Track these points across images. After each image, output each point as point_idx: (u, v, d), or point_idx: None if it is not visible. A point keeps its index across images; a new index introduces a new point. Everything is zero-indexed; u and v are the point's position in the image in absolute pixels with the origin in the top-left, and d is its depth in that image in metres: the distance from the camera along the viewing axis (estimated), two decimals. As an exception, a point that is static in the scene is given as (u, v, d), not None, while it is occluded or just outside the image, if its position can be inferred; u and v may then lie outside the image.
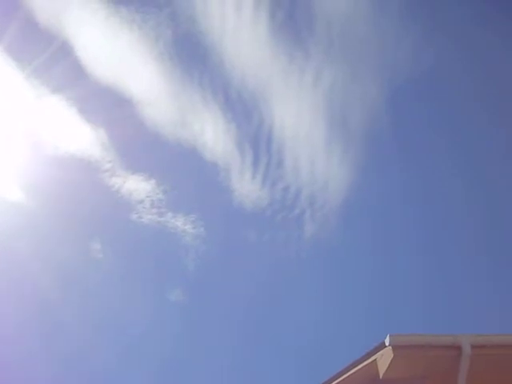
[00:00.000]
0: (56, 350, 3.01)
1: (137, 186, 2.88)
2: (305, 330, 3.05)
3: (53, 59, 2.55)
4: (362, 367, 1.36)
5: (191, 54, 2.63)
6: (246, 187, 2.86)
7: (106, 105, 2.72)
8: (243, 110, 2.77)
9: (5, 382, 2.80)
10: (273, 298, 3.05)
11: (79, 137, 2.74)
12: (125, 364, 3.08)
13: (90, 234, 2.96)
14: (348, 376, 1.46)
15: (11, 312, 2.91)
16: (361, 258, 3.10)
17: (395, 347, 1.21)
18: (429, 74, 2.66)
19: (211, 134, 2.78)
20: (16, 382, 2.93)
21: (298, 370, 3.00)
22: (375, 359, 1.28)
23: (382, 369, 1.25)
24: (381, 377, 1.27)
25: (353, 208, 2.95)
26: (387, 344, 1.21)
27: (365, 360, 1.33)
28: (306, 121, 2.73)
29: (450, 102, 2.77)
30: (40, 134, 2.72)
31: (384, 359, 1.24)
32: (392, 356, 1.21)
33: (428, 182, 3.01)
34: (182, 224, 2.94)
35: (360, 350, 1.32)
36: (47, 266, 2.91)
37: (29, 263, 2.88)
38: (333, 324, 3.05)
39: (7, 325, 2.91)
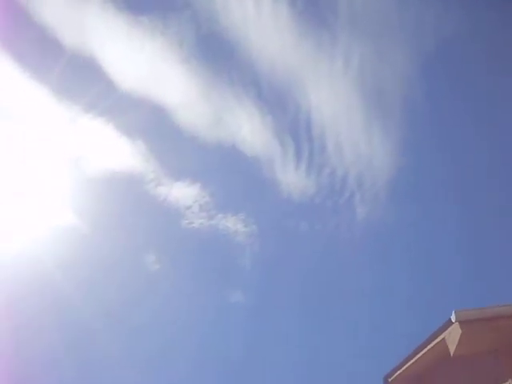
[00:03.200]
0: (125, 360, 3.03)
1: (183, 193, 2.88)
2: (366, 315, 3.01)
3: (81, 78, 2.56)
4: (432, 347, 1.32)
5: (217, 53, 2.61)
6: (292, 177, 2.83)
7: (141, 115, 2.73)
8: (277, 101, 2.75)
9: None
10: (332, 286, 3.02)
11: (119, 151, 2.76)
12: (192, 368, 3.09)
13: (144, 246, 2.97)
14: (419, 358, 1.42)
15: (68, 333, 2.94)
16: (414, 237, 3.05)
17: (462, 323, 1.17)
18: (456, 37, 2.59)
19: (249, 129, 2.76)
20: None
21: (363, 357, 2.97)
22: (444, 337, 1.25)
23: (452, 346, 1.21)
24: (451, 354, 1.24)
25: (401, 184, 2.90)
26: (454, 320, 1.17)
27: (433, 339, 1.30)
28: (342, 102, 2.69)
29: (480, 63, 2.70)
30: (80, 154, 2.74)
31: (453, 336, 1.20)
32: (460, 332, 1.17)
33: (472, 150, 2.94)
34: (232, 224, 2.93)
35: (425, 330, 1.28)
36: (105, 285, 2.94)
37: (88, 283, 2.91)
38: (392, 306, 3.00)
39: (63, 346, 2.94)
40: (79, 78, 2.65)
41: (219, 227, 2.97)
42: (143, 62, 2.57)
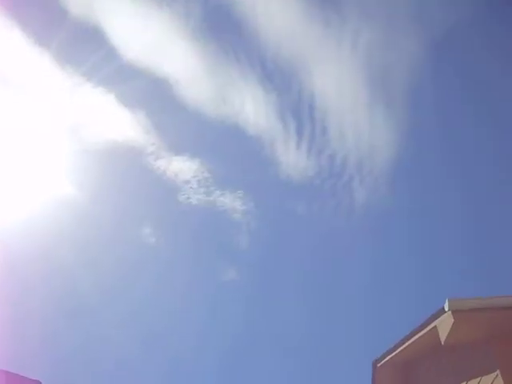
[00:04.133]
0: (121, 335, 3.04)
1: (182, 167, 2.87)
2: (361, 299, 3.01)
3: (85, 46, 2.54)
4: (423, 334, 1.31)
5: (224, 28, 2.59)
6: (292, 158, 2.82)
7: (144, 88, 2.71)
8: (282, 80, 2.73)
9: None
10: (327, 268, 3.02)
11: (120, 123, 2.74)
12: (186, 345, 3.10)
13: (140, 219, 2.97)
14: (409, 344, 1.41)
15: (67, 302, 2.95)
16: (413, 221, 3.04)
17: (455, 312, 1.16)
18: (464, 25, 2.56)
19: (252, 107, 2.74)
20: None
21: (357, 341, 2.98)
22: (435, 325, 1.24)
23: (443, 335, 1.20)
24: (442, 343, 1.23)
25: (402, 170, 2.89)
26: (447, 309, 1.17)
27: (425, 327, 1.29)
28: (347, 84, 2.67)
29: (487, 51, 2.67)
30: (80, 124, 2.72)
31: (444, 325, 1.20)
32: (452, 321, 1.16)
33: (475, 138, 2.93)
34: (230, 201, 2.92)
35: (418, 317, 1.28)
36: (102, 256, 2.94)
37: (84, 254, 2.91)
38: (388, 291, 3.00)
39: (62, 315, 2.95)
40: (83, 45, 2.62)
41: (217, 204, 2.96)
42: (148, 32, 2.54)
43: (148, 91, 2.75)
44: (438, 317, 1.17)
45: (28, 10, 2.46)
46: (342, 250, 3.05)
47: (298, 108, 2.81)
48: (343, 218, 2.97)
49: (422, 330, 1.27)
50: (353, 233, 3.02)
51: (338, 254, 3.05)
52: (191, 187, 2.91)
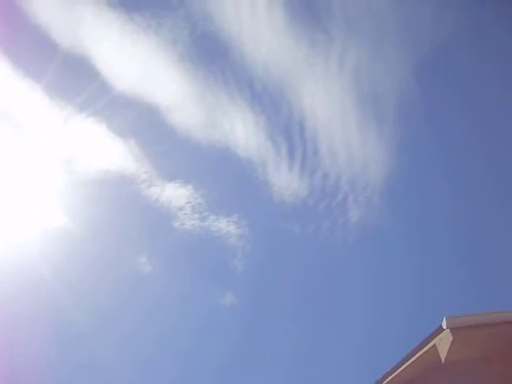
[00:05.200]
0: (117, 363, 3.02)
1: (175, 193, 2.86)
2: (359, 318, 3.00)
3: (75, 77, 2.54)
4: (423, 354, 1.30)
5: (211, 53, 2.60)
6: (285, 179, 2.82)
7: (134, 116, 2.70)
8: (271, 102, 2.73)
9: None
10: (324, 288, 3.01)
11: (112, 152, 2.74)
12: (183, 370, 3.08)
13: (136, 247, 2.95)
14: (409, 365, 1.40)
15: (61, 333, 2.93)
16: (409, 239, 3.03)
17: (453, 329, 1.16)
18: (452, 40, 2.58)
19: (242, 130, 2.74)
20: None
21: (355, 361, 2.96)
22: (434, 344, 1.23)
23: (443, 353, 1.20)
24: (442, 361, 1.22)
25: (395, 187, 2.89)
26: (445, 327, 1.16)
27: (424, 346, 1.28)
28: (337, 104, 2.68)
29: (474, 67, 2.69)
30: (73, 155, 2.72)
31: (444, 343, 1.19)
32: (451, 339, 1.16)
33: (467, 153, 2.93)
34: (225, 226, 2.92)
35: (416, 336, 1.27)
36: (98, 287, 2.91)
37: (80, 284, 2.89)
38: (386, 310, 2.99)
39: (56, 346, 2.93)
40: (72, 77, 2.63)
41: (211, 229, 2.96)
42: (137, 61, 2.55)
43: (139, 119, 2.75)
44: (437, 335, 1.16)
45: (17, 43, 2.46)
46: (339, 269, 3.05)
47: (288, 129, 2.82)
48: (339, 237, 2.97)
49: (422, 349, 1.26)
50: (349, 251, 3.02)
51: (334, 274, 3.05)
52: (185, 213, 2.90)
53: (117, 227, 2.85)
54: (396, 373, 1.51)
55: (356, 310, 2.99)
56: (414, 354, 1.34)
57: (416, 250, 2.96)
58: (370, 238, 3.00)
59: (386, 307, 3.00)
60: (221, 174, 2.91)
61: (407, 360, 1.40)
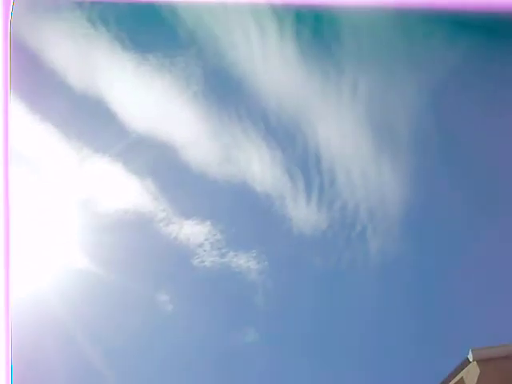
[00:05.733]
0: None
1: (194, 231, 2.86)
2: (382, 351, 2.95)
3: (91, 119, 2.56)
4: (450, 387, 1.29)
5: (224, 89, 2.61)
6: (303, 212, 2.81)
7: (150, 154, 2.72)
8: (286, 135, 2.73)
9: None
10: (347, 322, 2.97)
11: (129, 191, 2.74)
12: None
13: (156, 286, 2.94)
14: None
15: (83, 374, 2.90)
16: (430, 268, 2.99)
17: (480, 362, 1.14)
18: (464, 66, 2.57)
19: (258, 165, 2.74)
20: None
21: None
22: (462, 377, 1.21)
23: (471, 386, 1.18)
24: (471, 394, 1.20)
25: (413, 216, 2.86)
26: (471, 359, 1.14)
27: (451, 379, 1.26)
28: (351, 134, 2.67)
29: (489, 91, 2.67)
30: (91, 195, 2.73)
31: (471, 376, 1.17)
32: (479, 371, 1.14)
33: (487, 179, 2.90)
34: (244, 261, 2.90)
35: (442, 369, 1.24)
36: (120, 327, 2.90)
37: (101, 325, 2.87)
38: (408, 342, 2.94)
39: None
40: (88, 119, 2.65)
41: (231, 265, 2.94)
42: (151, 99, 2.57)
43: (154, 158, 2.77)
44: (464, 368, 1.14)
45: (34, 88, 2.49)
46: (361, 300, 3.00)
47: (304, 161, 2.81)
48: (360, 268, 2.94)
49: (449, 382, 1.24)
50: (370, 282, 2.98)
51: (356, 305, 3.01)
52: (204, 250, 2.89)
53: (136, 266, 2.85)
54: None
55: (379, 341, 2.94)
56: (443, 388, 1.32)
57: (439, 279, 2.92)
58: (390, 267, 2.98)
59: (408, 339, 2.95)
60: (238, 210, 2.91)
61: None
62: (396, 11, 2.24)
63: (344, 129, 2.79)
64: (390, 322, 3.07)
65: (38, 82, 2.56)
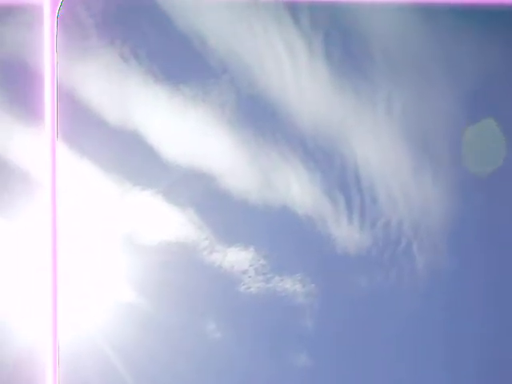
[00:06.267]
0: None
1: (237, 258, 2.84)
2: (438, 370, 2.88)
3: (127, 152, 2.58)
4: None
5: (258, 114, 2.60)
6: (346, 232, 2.76)
7: (189, 184, 2.72)
8: (324, 156, 2.69)
9: None
10: (399, 340, 2.89)
11: (171, 222, 2.75)
12: None
13: (203, 315, 2.91)
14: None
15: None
16: (480, 281, 2.92)
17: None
18: (500, 73, 2.53)
19: (297, 187, 2.72)
20: None
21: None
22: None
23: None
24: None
25: (459, 228, 2.79)
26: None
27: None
28: (389, 150, 2.63)
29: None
30: (133, 228, 2.74)
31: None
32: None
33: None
34: (290, 285, 2.86)
35: None
36: (170, 359, 2.89)
37: (151, 360, 2.87)
38: (463, 359, 2.86)
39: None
40: (125, 152, 2.67)
41: (277, 289, 2.90)
42: (186, 129, 2.58)
43: (194, 187, 2.77)
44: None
45: (71, 126, 2.54)
46: (411, 317, 2.93)
47: (343, 181, 2.77)
48: (408, 285, 2.86)
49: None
50: (420, 298, 2.91)
51: (406, 323, 2.93)
52: (249, 276, 2.86)
53: (182, 297, 2.83)
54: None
55: (432, 361, 2.86)
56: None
57: (490, 291, 2.84)
58: (439, 282, 2.90)
59: (462, 356, 2.87)
60: (281, 233, 2.88)
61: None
62: (426, 18, 2.23)
63: (382, 145, 2.75)
64: (441, 337, 2.99)
65: (75, 120, 2.60)
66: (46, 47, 1.98)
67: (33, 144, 2.24)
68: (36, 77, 2.22)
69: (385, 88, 2.25)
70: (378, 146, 2.44)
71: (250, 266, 2.57)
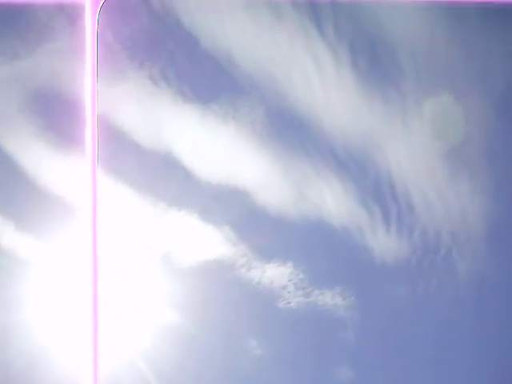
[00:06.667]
0: None
1: (276, 273, 2.83)
2: (484, 378, 2.82)
3: (161, 173, 2.61)
4: None
5: (289, 128, 2.61)
6: (383, 242, 2.74)
7: (224, 201, 2.73)
8: (356, 166, 2.68)
9: None
10: (445, 347, 2.85)
11: (208, 240, 2.76)
12: None
13: (244, 332, 2.91)
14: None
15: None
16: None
17: None
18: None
19: (332, 199, 2.71)
20: None
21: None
22: None
23: None
24: None
25: (498, 233, 2.76)
26: None
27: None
28: (423, 157, 2.61)
29: None
30: (170, 248, 2.76)
31: None
32: None
33: None
34: (330, 298, 2.84)
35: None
36: (215, 380, 2.89)
37: (196, 379, 2.87)
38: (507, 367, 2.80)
39: None
40: (159, 174, 2.70)
41: (318, 303, 2.88)
42: (218, 147, 2.60)
43: (229, 204, 2.77)
44: None
45: (103, 148, 2.58)
46: (454, 325, 2.88)
47: (378, 190, 2.75)
48: (449, 293, 2.82)
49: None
50: (462, 306, 2.87)
51: (449, 331, 2.88)
52: (289, 292, 2.85)
53: (223, 315, 2.83)
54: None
55: (480, 369, 2.81)
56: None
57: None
58: (481, 289, 2.86)
59: (508, 365, 2.82)
60: (318, 247, 2.87)
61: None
62: (452, 21, 2.22)
63: (415, 152, 2.73)
64: (489, 344, 2.94)
65: (110, 144, 2.64)
66: (87, 75, 2.02)
67: (71, 169, 2.27)
68: (74, 104, 2.25)
69: (414, 94, 2.25)
70: (411, 153, 2.43)
71: (289, 280, 2.57)
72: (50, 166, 2.33)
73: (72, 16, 2.11)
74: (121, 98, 2.35)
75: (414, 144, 2.36)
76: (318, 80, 2.19)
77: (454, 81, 2.24)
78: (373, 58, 2.27)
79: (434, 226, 2.49)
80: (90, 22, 1.85)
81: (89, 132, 2.05)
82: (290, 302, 2.56)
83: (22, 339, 2.34)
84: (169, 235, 2.50)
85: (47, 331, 2.39)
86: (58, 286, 2.41)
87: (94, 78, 1.84)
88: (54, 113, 2.32)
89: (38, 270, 2.34)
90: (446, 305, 2.59)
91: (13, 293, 2.31)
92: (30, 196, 2.30)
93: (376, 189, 2.45)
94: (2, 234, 2.20)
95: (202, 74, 2.28)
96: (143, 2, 2.21)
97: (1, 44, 2.12)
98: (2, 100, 2.16)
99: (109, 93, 2.31)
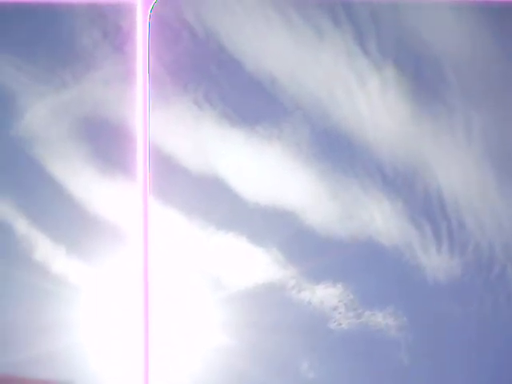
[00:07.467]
0: None
1: (326, 294, 2.80)
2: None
3: (209, 196, 2.61)
4: None
5: (335, 147, 2.59)
6: (435, 260, 2.68)
7: (271, 223, 2.71)
8: (405, 184, 2.64)
9: None
10: (499, 369, 2.76)
11: (257, 263, 2.75)
12: None
13: (296, 354, 2.87)
14: None
15: None
16: None
17: None
18: None
19: (381, 218, 2.67)
20: None
21: None
22: None
23: None
24: None
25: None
26: None
27: None
28: (473, 172, 2.55)
29: None
30: (219, 271, 2.75)
31: None
32: None
33: None
34: (382, 319, 2.79)
35: None
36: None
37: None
38: None
39: None
40: (207, 197, 2.70)
41: (369, 324, 2.82)
42: (264, 169, 2.59)
43: (277, 226, 2.76)
44: None
45: (153, 174, 2.60)
46: (510, 345, 2.79)
47: (428, 208, 2.70)
48: (506, 311, 2.74)
49: None
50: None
51: (507, 353, 2.79)
52: (340, 313, 2.81)
53: (273, 337, 2.80)
54: None
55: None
56: None
57: None
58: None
59: None
60: (368, 267, 2.82)
61: None
62: (498, 31, 2.18)
63: (464, 168, 2.67)
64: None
65: (158, 170, 2.66)
66: (138, 102, 2.05)
67: (122, 195, 2.31)
68: (124, 130, 2.29)
69: (462, 109, 2.21)
70: (461, 169, 2.39)
71: (340, 301, 2.54)
72: (101, 192, 2.36)
73: (119, 41, 2.17)
74: (168, 123, 2.39)
75: (463, 159, 2.33)
76: (363, 98, 2.18)
77: (503, 93, 2.21)
78: (418, 74, 2.25)
79: (486, 242, 2.44)
80: (141, 49, 1.89)
81: (140, 158, 2.08)
82: (341, 324, 2.53)
83: (74, 365, 2.38)
84: (218, 259, 2.50)
85: (98, 357, 2.41)
86: (109, 312, 2.43)
87: (145, 103, 1.87)
88: (104, 139, 2.37)
89: (89, 295, 2.38)
90: (500, 324, 2.53)
91: (64, 319, 2.35)
92: (82, 222, 2.34)
93: (426, 206, 2.42)
94: (53, 259, 2.25)
95: (245, 96, 2.29)
96: (186, 27, 2.25)
97: (48, 73, 2.18)
98: (52, 128, 2.21)
99: (157, 118, 2.34)
